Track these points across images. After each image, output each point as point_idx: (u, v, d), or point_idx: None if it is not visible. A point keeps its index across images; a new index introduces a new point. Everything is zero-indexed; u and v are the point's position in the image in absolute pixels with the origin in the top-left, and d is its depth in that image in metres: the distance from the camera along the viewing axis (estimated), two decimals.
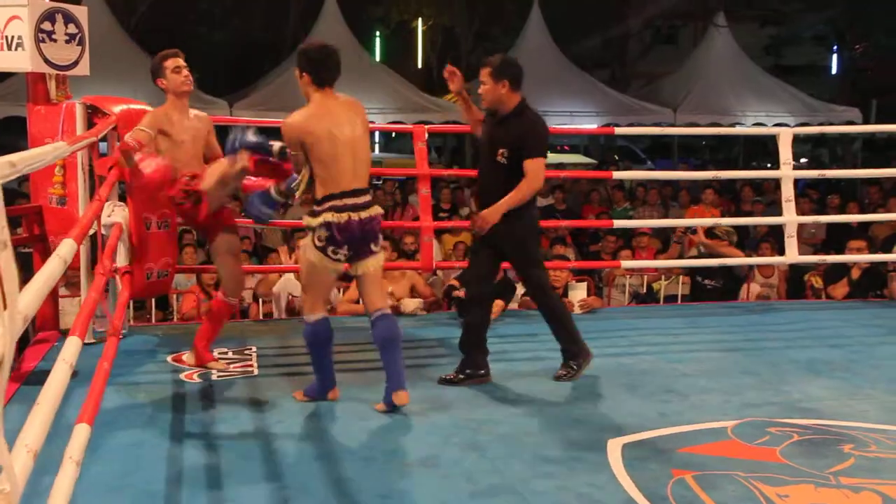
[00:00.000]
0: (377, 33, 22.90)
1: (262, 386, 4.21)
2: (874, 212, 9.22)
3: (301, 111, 3.76)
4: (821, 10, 20.15)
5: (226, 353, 4.74)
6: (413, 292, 6.02)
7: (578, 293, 6.02)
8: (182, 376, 4.34)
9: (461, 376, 4.33)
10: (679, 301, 7.17)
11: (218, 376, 4.35)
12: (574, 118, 14.82)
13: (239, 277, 4.61)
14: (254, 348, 4.82)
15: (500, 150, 4.22)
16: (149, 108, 4.98)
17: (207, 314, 4.65)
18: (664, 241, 8.78)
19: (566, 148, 22.08)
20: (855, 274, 6.57)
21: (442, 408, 3.94)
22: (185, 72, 4.39)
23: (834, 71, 23.13)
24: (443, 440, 3.53)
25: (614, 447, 3.46)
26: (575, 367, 4.39)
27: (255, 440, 3.52)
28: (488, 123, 4.40)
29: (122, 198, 4.76)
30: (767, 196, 10.99)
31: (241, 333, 5.11)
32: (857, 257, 6.46)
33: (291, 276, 6.20)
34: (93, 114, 4.81)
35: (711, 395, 4.17)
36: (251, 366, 4.54)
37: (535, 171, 4.20)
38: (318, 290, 3.89)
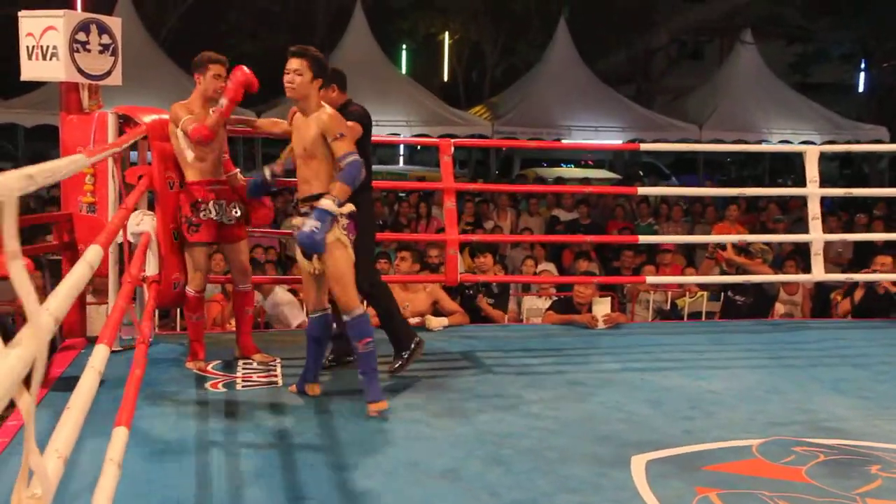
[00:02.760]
0: (404, 46, 23.03)
1: (286, 397, 4.22)
2: None
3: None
4: (848, 27, 20.02)
5: (251, 363, 4.77)
6: (436, 307, 6.01)
7: (602, 308, 6.00)
8: (207, 385, 4.37)
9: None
10: (703, 318, 7.14)
11: (242, 386, 4.37)
12: (599, 133, 14.82)
13: (244, 267, 4.80)
14: (278, 359, 4.85)
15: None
16: None
17: (233, 310, 4.97)
18: (688, 258, 8.74)
19: (590, 163, 22.05)
20: (858, 294, 6.55)
21: (464, 421, 3.93)
22: (223, 83, 4.48)
23: (861, 89, 22.95)
24: (466, 453, 3.52)
25: (638, 463, 3.44)
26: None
27: (278, 451, 3.54)
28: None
29: (150, 207, 4.82)
30: (793, 214, 10.91)
31: (267, 344, 5.14)
32: (882, 276, 6.39)
33: (278, 290, 6.40)
34: (124, 123, 4.87)
35: (736, 413, 4.14)
36: (276, 376, 4.56)
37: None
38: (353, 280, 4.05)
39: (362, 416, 3.93)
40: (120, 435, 2.33)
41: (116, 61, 5.00)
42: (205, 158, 4.51)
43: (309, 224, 3.77)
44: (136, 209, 4.43)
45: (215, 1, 18.36)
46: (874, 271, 6.52)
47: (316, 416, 3.97)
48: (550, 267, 8.12)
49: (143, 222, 4.55)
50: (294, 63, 3.95)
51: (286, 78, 3.97)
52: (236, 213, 4.62)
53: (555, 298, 6.79)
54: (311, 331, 4.20)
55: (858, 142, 14.19)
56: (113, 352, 3.86)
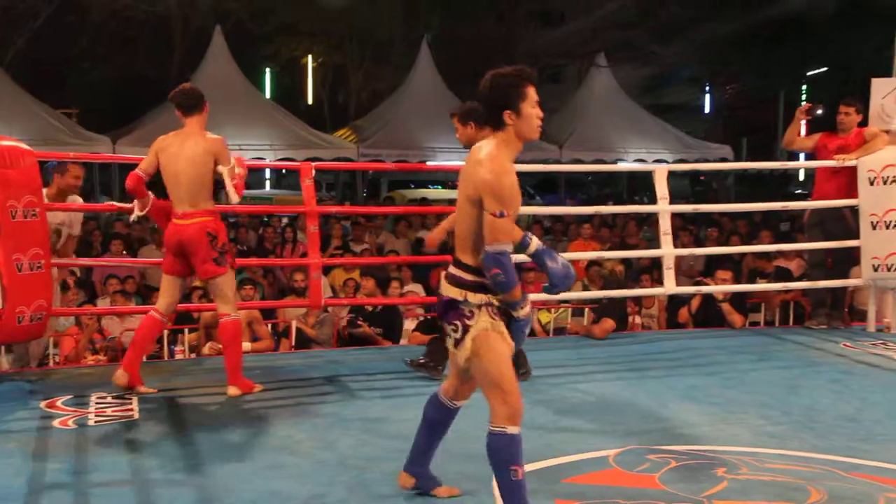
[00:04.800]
0: (267, 70, 22.75)
1: (142, 430, 4.07)
2: (747, 244, 9.64)
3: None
4: (695, 52, 21.21)
5: (104, 397, 4.57)
6: (249, 328, 6.07)
7: None
8: (56, 423, 4.16)
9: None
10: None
11: (95, 422, 4.19)
12: (464, 154, 14.99)
13: None
14: (135, 393, 4.66)
15: None
16: (23, 144, 4.82)
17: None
18: None
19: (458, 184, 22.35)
20: (694, 304, 6.93)
21: (329, 446, 3.90)
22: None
23: (707, 110, 24.36)
24: (330, 479, 3.49)
25: None
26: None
27: (134, 487, 3.40)
28: None
29: None
30: (652, 229, 11.38)
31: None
32: (724, 287, 6.76)
33: None
34: None
35: (596, 425, 4.27)
36: (131, 409, 4.39)
37: None
38: None
39: (224, 449, 3.83)
40: None
41: None
42: None
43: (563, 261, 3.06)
44: None
45: (66, 23, 17.57)
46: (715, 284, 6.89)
47: (174, 449, 3.84)
48: (417, 288, 8.16)
49: None
50: None
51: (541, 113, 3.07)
52: None
53: (421, 319, 6.83)
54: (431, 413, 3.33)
55: (706, 160, 15.01)
56: None
